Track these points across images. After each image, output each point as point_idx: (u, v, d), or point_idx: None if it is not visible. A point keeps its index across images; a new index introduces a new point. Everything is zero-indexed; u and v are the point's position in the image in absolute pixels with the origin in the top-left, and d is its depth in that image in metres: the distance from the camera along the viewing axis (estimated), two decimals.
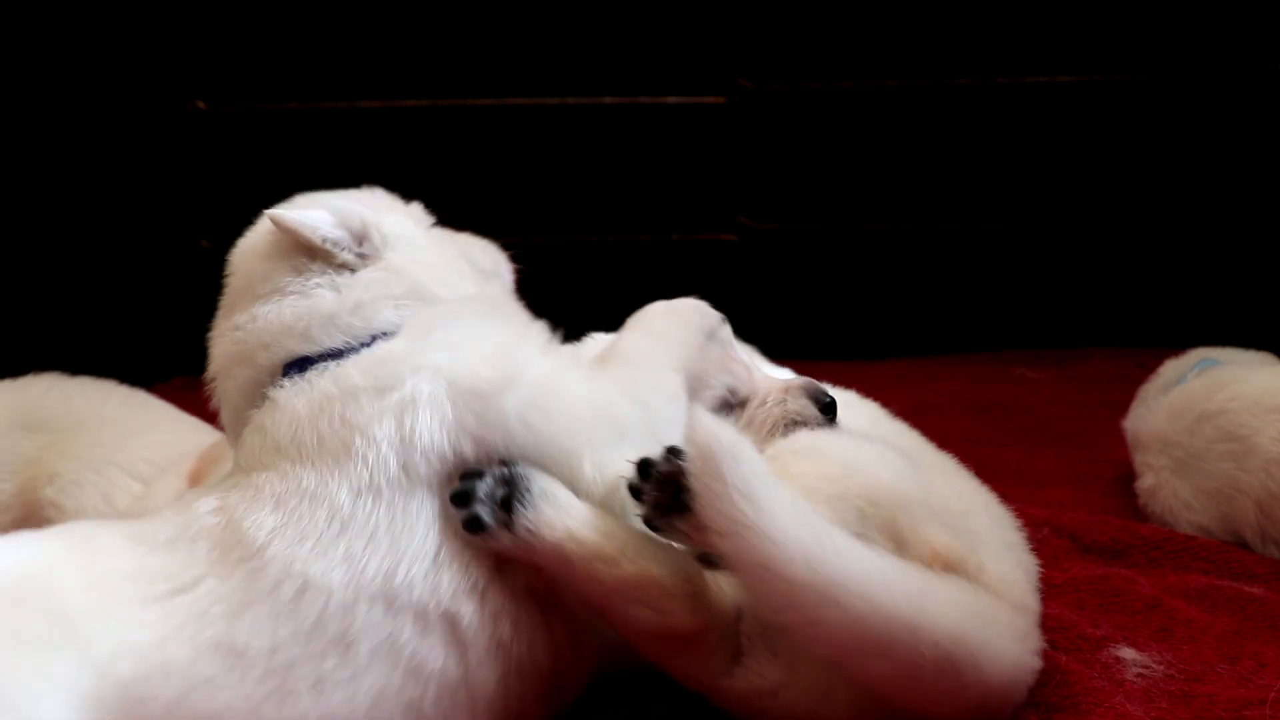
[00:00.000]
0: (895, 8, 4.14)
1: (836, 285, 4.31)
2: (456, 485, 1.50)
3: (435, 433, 1.50)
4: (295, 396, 1.56)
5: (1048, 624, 1.66)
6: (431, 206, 1.85)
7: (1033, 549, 1.75)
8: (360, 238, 1.67)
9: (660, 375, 1.68)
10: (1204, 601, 2.03)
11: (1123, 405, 2.84)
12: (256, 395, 1.61)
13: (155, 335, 3.91)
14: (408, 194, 1.85)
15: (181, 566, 1.46)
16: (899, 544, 1.53)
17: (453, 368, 1.53)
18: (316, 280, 1.64)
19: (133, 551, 1.48)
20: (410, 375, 1.52)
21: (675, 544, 1.53)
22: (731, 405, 1.85)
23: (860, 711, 1.51)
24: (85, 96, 3.89)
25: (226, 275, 1.73)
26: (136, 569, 1.46)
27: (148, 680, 1.38)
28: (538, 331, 1.67)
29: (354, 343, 1.60)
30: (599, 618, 1.57)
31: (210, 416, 1.77)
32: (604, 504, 1.55)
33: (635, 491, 1.51)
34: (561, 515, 1.50)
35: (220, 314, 1.72)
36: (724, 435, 1.38)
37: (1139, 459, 2.65)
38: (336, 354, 1.59)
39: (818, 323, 4.25)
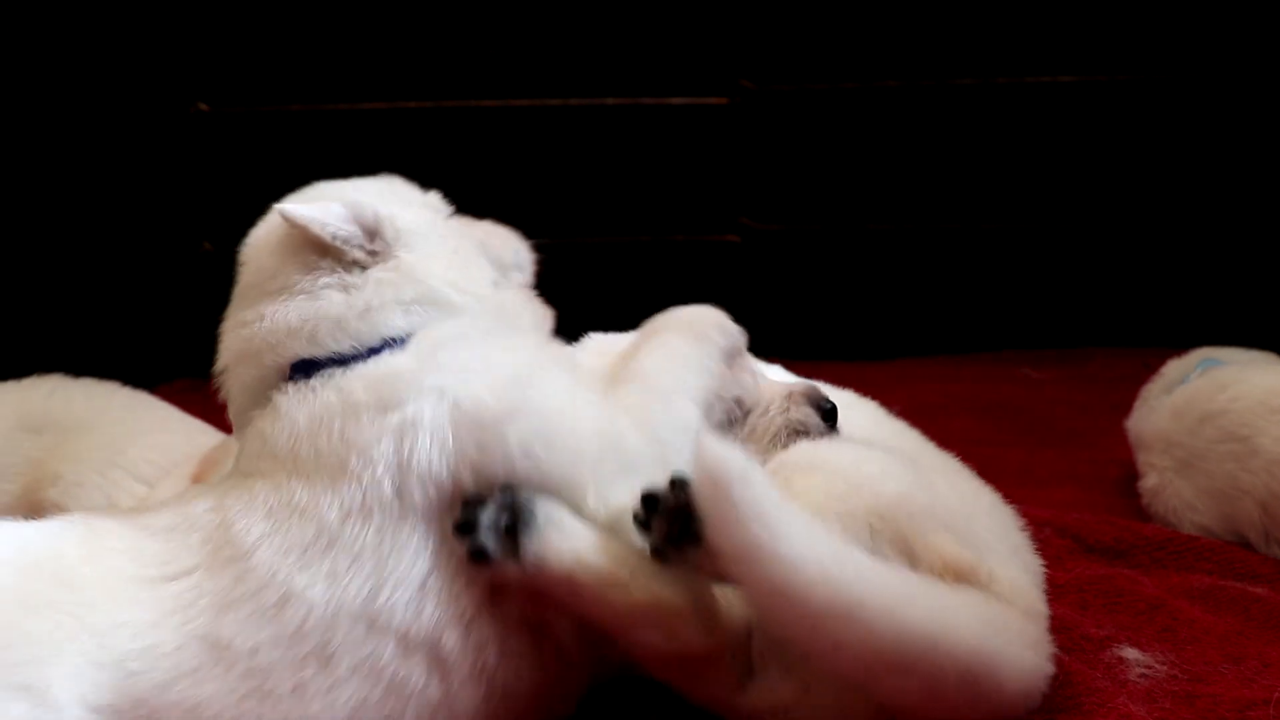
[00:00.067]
0: (898, 9, 4.13)
1: (839, 286, 4.29)
2: (459, 514, 1.46)
3: (434, 459, 1.47)
4: (297, 406, 1.54)
5: (1051, 624, 1.66)
6: None
7: (1036, 549, 1.75)
8: (372, 233, 1.62)
9: (678, 406, 1.62)
10: (1207, 602, 2.02)
11: (1125, 405, 2.83)
12: (261, 396, 1.60)
13: (158, 337, 3.90)
14: None
15: (175, 554, 1.47)
16: (909, 556, 1.52)
17: (458, 392, 1.50)
18: (325, 279, 1.60)
19: (131, 535, 1.50)
20: (414, 396, 1.49)
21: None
22: (735, 418, 1.82)
23: None
24: (87, 98, 3.88)
25: (239, 266, 1.70)
26: (134, 549, 1.48)
27: (140, 658, 1.40)
28: (551, 349, 1.64)
29: (361, 348, 1.57)
30: (607, 641, 1.53)
31: (213, 418, 1.77)
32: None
33: (642, 524, 1.48)
34: (569, 542, 1.46)
35: (232, 306, 1.69)
36: (733, 460, 1.34)
37: (1142, 459, 2.64)
38: (343, 359, 1.57)
39: (821, 323, 4.24)
